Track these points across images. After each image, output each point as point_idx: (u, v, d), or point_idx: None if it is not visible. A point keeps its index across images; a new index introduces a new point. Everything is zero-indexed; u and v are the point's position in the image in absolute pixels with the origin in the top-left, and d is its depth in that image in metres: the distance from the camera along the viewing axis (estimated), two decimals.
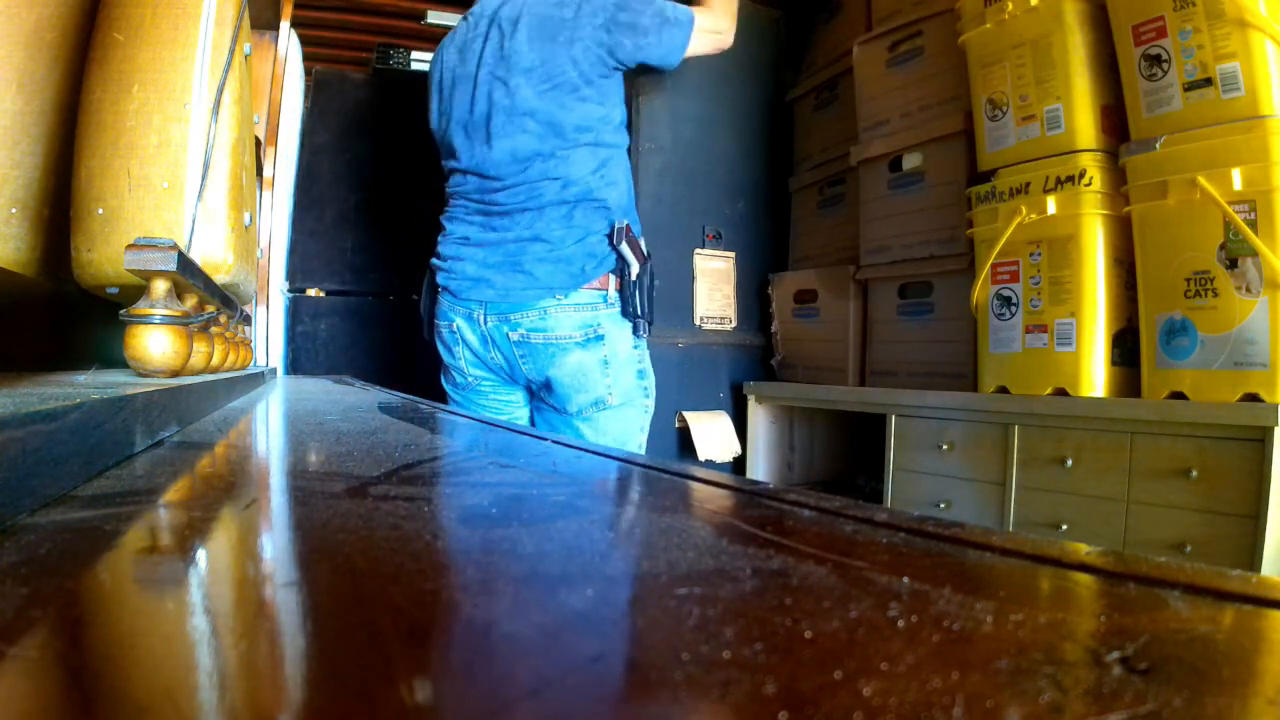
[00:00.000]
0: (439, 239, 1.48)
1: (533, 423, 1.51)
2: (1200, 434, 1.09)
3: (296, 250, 2.11)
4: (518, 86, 1.33)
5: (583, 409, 1.38)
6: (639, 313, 1.36)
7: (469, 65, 1.40)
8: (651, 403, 1.45)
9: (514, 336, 1.36)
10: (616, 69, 1.38)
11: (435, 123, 1.48)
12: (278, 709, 0.12)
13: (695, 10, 1.43)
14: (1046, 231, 1.34)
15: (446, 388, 1.52)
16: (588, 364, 1.35)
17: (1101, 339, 1.28)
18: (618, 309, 1.36)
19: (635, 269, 1.35)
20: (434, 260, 1.48)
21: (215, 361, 0.74)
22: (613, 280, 1.36)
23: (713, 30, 1.48)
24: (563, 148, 1.34)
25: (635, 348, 1.39)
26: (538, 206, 1.35)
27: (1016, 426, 1.34)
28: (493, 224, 1.40)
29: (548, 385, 1.39)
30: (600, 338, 1.34)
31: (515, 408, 1.49)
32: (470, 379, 1.46)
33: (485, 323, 1.39)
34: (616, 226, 1.35)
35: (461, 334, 1.42)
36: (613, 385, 1.37)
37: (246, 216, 0.88)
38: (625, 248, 1.34)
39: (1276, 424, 1.01)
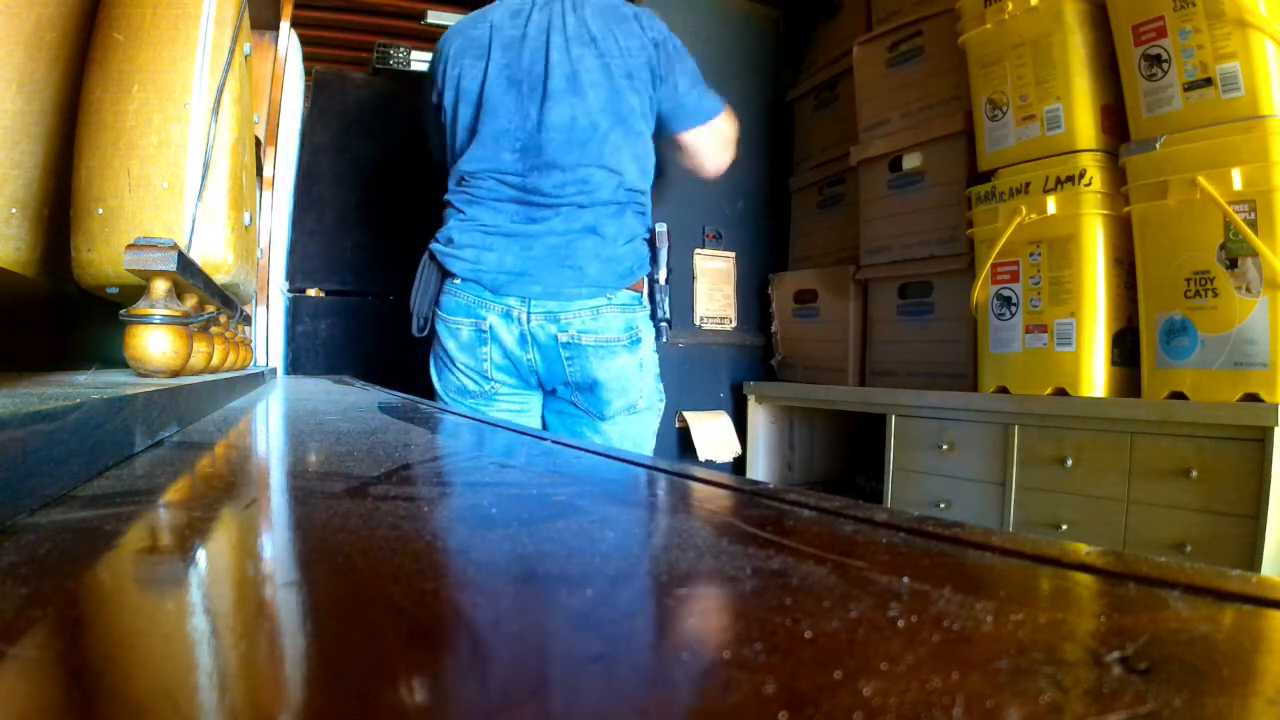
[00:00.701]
0: (451, 224, 1.33)
1: (545, 427, 1.44)
2: (1200, 434, 1.10)
3: (296, 250, 2.11)
4: (581, 56, 1.29)
5: (617, 413, 1.33)
6: (665, 316, 1.36)
7: (528, 28, 1.33)
8: (663, 406, 1.43)
9: (563, 338, 1.27)
10: (654, 93, 1.36)
11: (472, 80, 1.34)
12: (278, 709, 0.12)
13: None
14: (1046, 231, 1.34)
15: (448, 395, 1.35)
16: (630, 367, 1.31)
17: (1101, 339, 1.28)
18: (648, 312, 1.35)
19: (664, 274, 1.34)
20: (441, 248, 1.32)
21: (215, 361, 0.74)
22: (646, 283, 1.35)
23: (729, 134, 1.48)
24: (616, 131, 1.30)
25: (655, 351, 1.38)
26: (589, 203, 1.29)
27: (1016, 426, 1.34)
28: (533, 215, 1.30)
29: (591, 388, 1.31)
30: (639, 340, 1.32)
31: (527, 415, 1.39)
32: (489, 385, 1.32)
33: (528, 321, 1.27)
34: (657, 230, 1.34)
35: (494, 333, 1.28)
36: (643, 389, 1.34)
37: (246, 216, 0.88)
38: (664, 252, 1.34)
39: (1276, 424, 1.01)
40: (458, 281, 1.30)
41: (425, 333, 1.36)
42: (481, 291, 1.29)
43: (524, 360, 1.30)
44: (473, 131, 1.34)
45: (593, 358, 1.29)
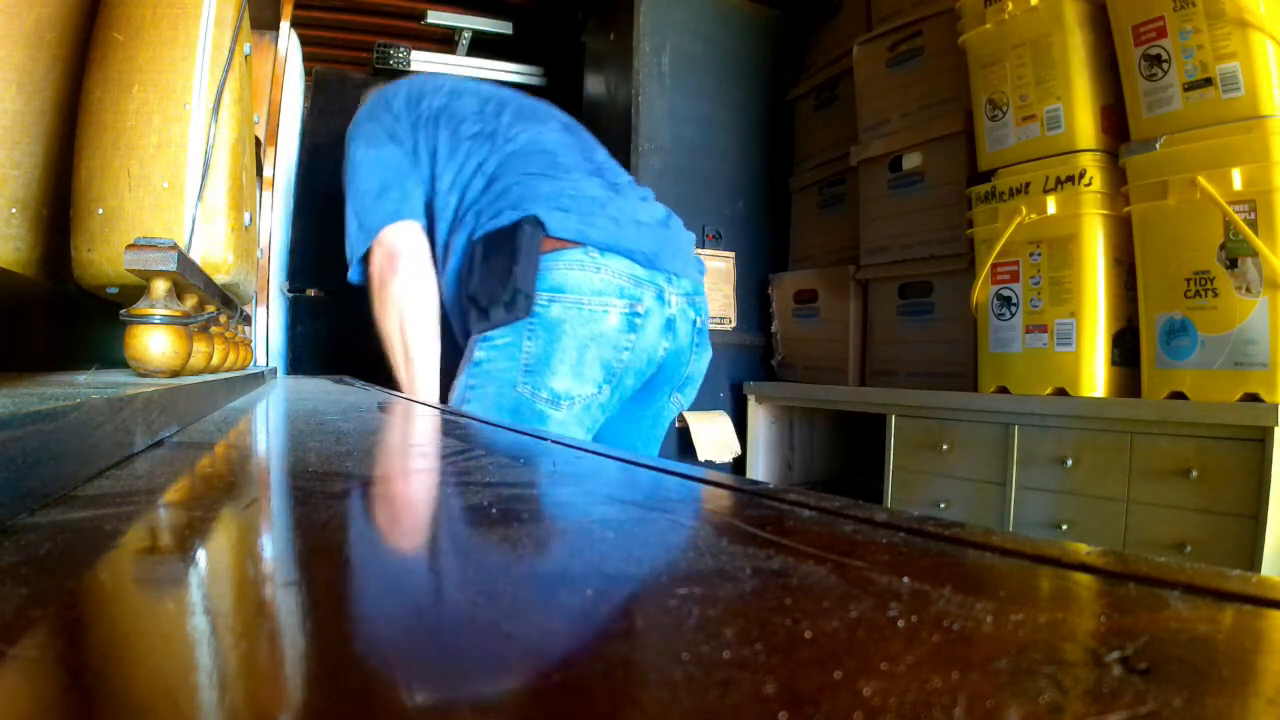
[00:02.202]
0: (549, 186, 1.07)
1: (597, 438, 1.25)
2: (1200, 434, 1.10)
3: (296, 250, 2.11)
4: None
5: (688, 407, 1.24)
6: None
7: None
8: None
9: (699, 323, 1.12)
10: None
11: (477, 86, 1.27)
12: (278, 709, 0.12)
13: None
14: (1046, 231, 1.34)
15: (534, 404, 1.04)
16: None
17: (1101, 339, 1.28)
18: None
19: None
20: (552, 211, 1.02)
21: (215, 361, 0.74)
22: None
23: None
24: None
25: None
26: (643, 187, 1.22)
27: (1016, 426, 1.34)
28: (615, 187, 1.15)
29: (691, 382, 1.18)
30: None
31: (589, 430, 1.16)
32: (601, 389, 1.05)
33: (674, 303, 1.08)
34: None
35: (648, 319, 1.04)
36: None
37: (246, 216, 0.88)
38: None
39: (1276, 424, 1.01)
40: (594, 254, 1.02)
41: (517, 316, 1.03)
42: (633, 265, 1.04)
43: (657, 353, 1.08)
44: (510, 115, 1.20)
45: (705, 345, 1.17)
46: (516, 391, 1.04)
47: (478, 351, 1.08)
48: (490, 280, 1.03)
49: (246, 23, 0.88)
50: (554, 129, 1.22)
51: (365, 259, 1.21)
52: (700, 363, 1.18)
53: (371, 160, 1.19)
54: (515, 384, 1.04)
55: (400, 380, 1.20)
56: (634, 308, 1.03)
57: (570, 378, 1.03)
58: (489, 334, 1.06)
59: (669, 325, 1.08)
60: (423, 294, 1.17)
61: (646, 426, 1.20)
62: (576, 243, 1.02)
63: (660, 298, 1.06)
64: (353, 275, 1.25)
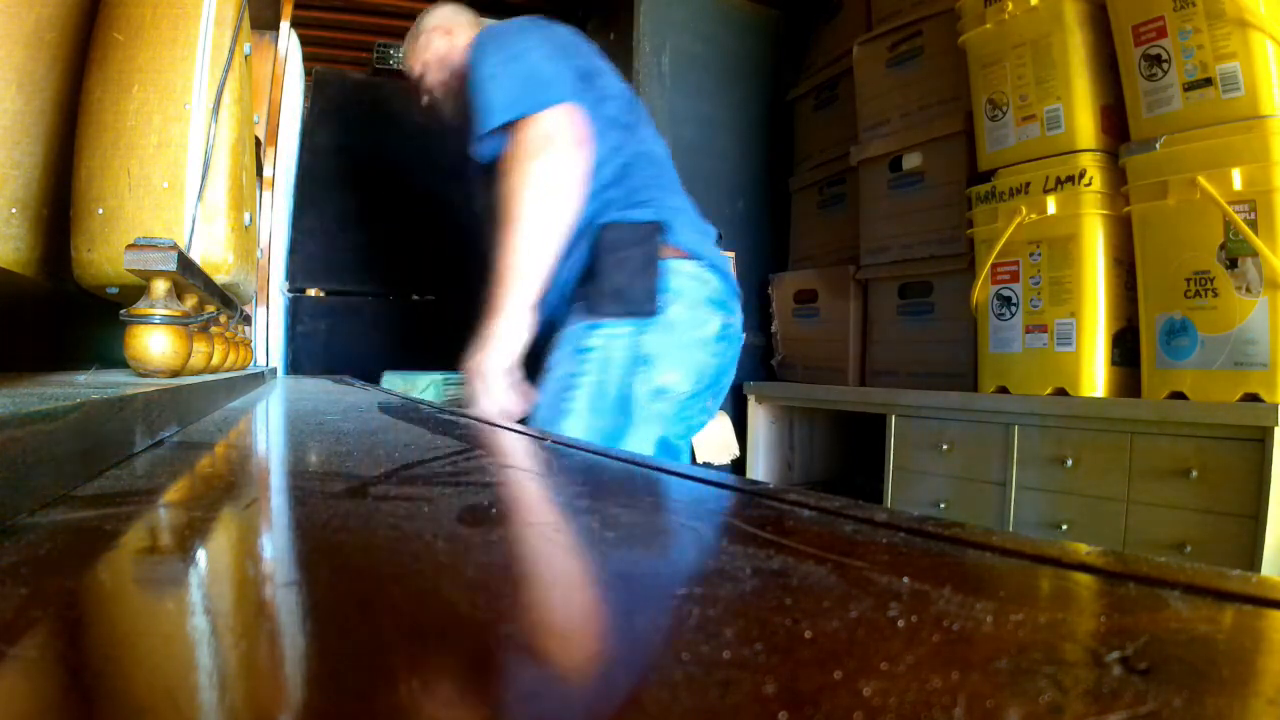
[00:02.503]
0: (660, 197, 1.13)
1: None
2: (1200, 434, 1.10)
3: (296, 250, 2.11)
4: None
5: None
6: None
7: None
8: None
9: (742, 335, 1.22)
10: None
11: (622, 88, 1.23)
12: (278, 709, 0.12)
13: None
14: (1046, 231, 1.34)
15: (645, 400, 1.07)
16: None
17: (1101, 339, 1.28)
18: None
19: None
20: (678, 222, 1.10)
21: (215, 361, 0.73)
22: None
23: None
24: None
25: None
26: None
27: (1016, 426, 1.34)
28: (697, 213, 1.21)
29: (724, 390, 1.25)
30: None
31: None
32: (690, 388, 1.11)
33: (737, 321, 1.18)
34: None
35: (729, 333, 1.14)
36: None
37: (246, 216, 0.88)
38: None
39: (1276, 424, 1.01)
40: (704, 268, 1.11)
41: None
42: (723, 284, 1.13)
43: (724, 361, 1.16)
44: (640, 116, 1.22)
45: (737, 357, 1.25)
46: (626, 380, 1.07)
47: (590, 339, 1.08)
48: (624, 271, 1.07)
49: (246, 23, 0.88)
50: (661, 145, 1.25)
51: (502, 133, 1.07)
52: (733, 373, 1.26)
53: (549, 52, 1.10)
54: (628, 372, 1.07)
55: (505, 271, 1.06)
56: (726, 320, 1.13)
57: (678, 372, 1.08)
58: (604, 322, 1.07)
59: (729, 335, 1.17)
60: (572, 182, 1.05)
61: (685, 430, 1.28)
62: (693, 255, 1.10)
63: (734, 310, 1.17)
64: (483, 149, 1.10)
